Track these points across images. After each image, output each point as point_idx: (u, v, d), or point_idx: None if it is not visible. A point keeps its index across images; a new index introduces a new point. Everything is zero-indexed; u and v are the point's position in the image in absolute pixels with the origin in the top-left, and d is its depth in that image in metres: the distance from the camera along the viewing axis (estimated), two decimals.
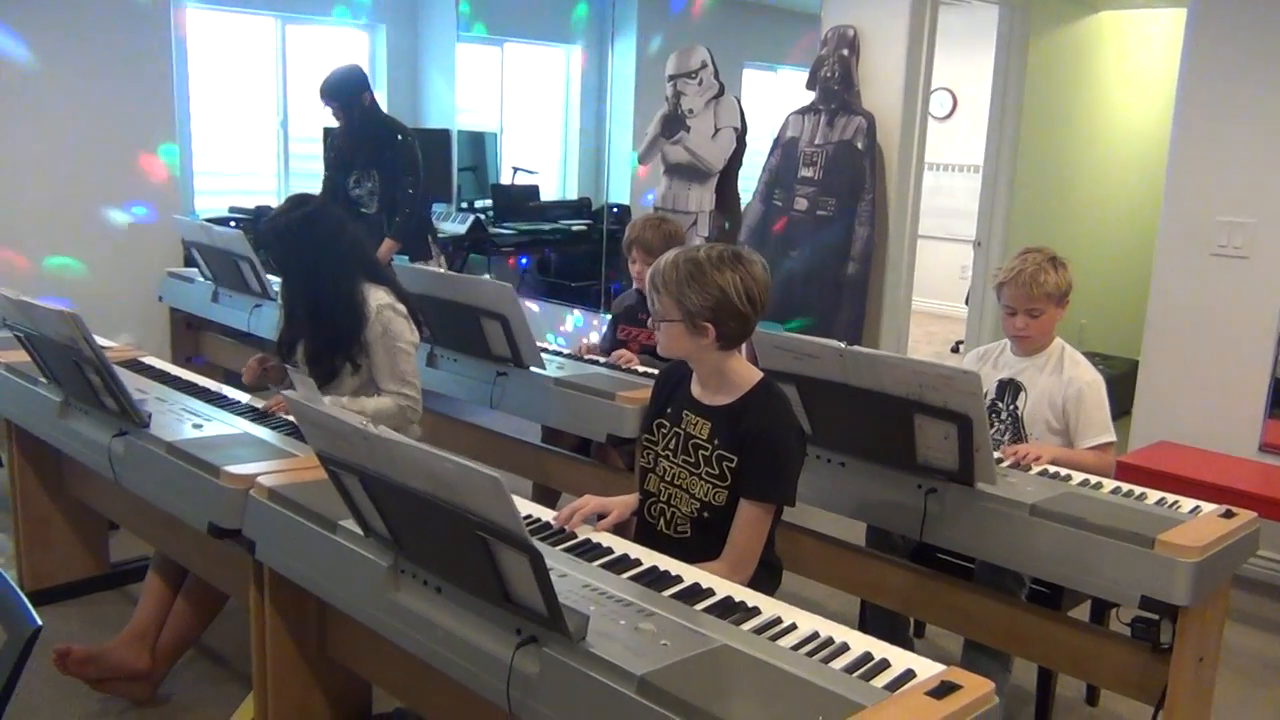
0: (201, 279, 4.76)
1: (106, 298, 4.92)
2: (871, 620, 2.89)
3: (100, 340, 2.75)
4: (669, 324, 2.12)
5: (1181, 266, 3.99)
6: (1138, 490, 2.47)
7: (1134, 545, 2.17)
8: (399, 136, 4.82)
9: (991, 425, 2.86)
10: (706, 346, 2.12)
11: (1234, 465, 3.71)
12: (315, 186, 5.02)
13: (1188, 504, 2.38)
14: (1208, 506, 2.36)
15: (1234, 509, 2.35)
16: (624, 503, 2.29)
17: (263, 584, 2.28)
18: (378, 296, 2.93)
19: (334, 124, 4.84)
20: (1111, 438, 2.80)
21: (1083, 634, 2.48)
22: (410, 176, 4.80)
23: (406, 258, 4.69)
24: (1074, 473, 2.58)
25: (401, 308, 2.96)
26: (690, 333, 2.11)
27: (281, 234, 2.89)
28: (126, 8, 4.90)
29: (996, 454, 2.57)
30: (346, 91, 4.66)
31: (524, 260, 7.05)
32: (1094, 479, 2.55)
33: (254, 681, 2.37)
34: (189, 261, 4.98)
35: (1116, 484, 2.52)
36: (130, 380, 2.81)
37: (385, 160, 4.76)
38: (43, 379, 2.97)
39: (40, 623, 1.24)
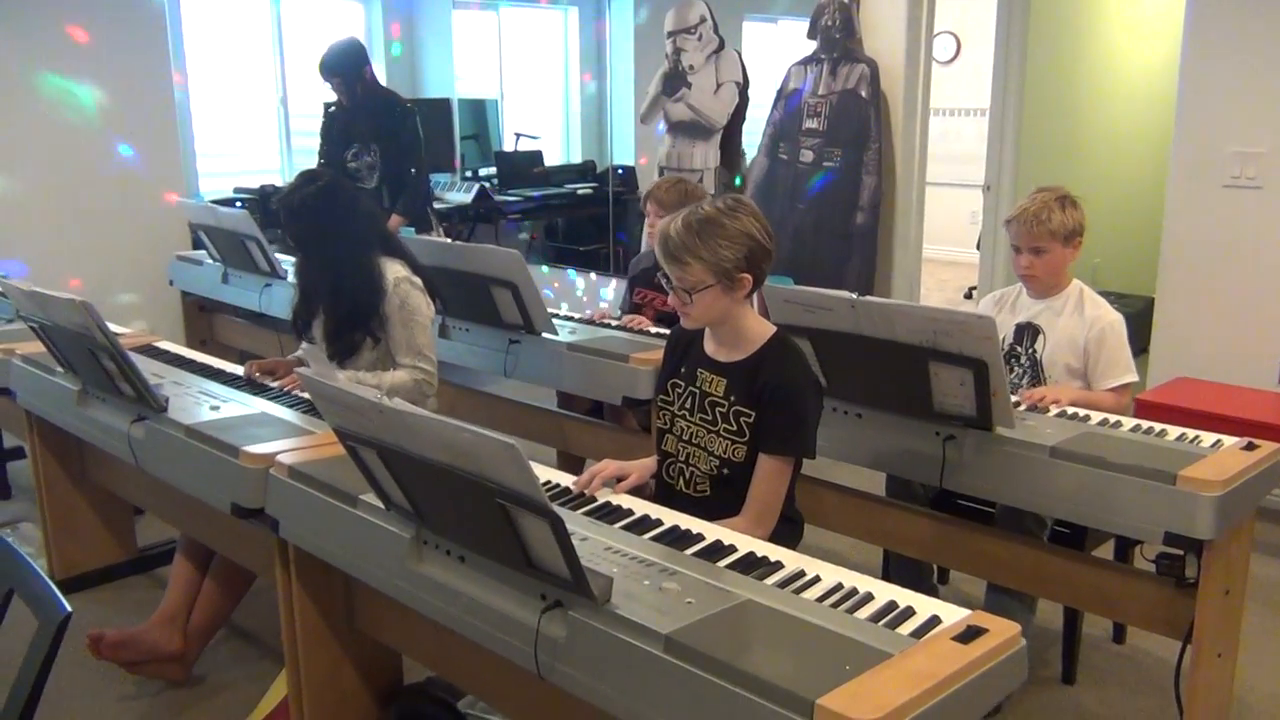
0: (210, 261, 4.76)
1: (118, 285, 4.94)
2: (895, 569, 2.89)
3: (114, 327, 2.76)
4: (703, 291, 2.08)
5: (1194, 200, 3.95)
6: (1158, 427, 2.46)
7: (1156, 482, 2.16)
8: (401, 110, 4.80)
9: (1010, 370, 2.85)
10: (739, 300, 2.12)
11: (1254, 398, 3.69)
12: (316, 162, 5.00)
13: (1209, 438, 2.37)
14: (1229, 440, 2.35)
15: (1256, 441, 2.33)
16: (642, 465, 2.29)
17: (288, 561, 2.29)
18: (394, 270, 2.92)
19: (333, 98, 4.82)
20: (1134, 377, 2.78)
21: (1107, 572, 2.48)
22: (413, 151, 4.78)
23: (413, 230, 4.68)
24: (1092, 413, 2.57)
25: (418, 280, 2.95)
26: (726, 291, 2.09)
27: (297, 210, 2.87)
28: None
29: (1014, 398, 2.56)
30: (347, 66, 4.63)
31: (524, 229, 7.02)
32: (1113, 418, 2.53)
33: (286, 657, 2.40)
34: (197, 244, 4.98)
35: (1136, 422, 2.50)
36: (145, 365, 2.82)
37: (385, 134, 4.74)
38: (59, 368, 2.99)
39: (69, 609, 1.25)
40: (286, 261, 4.28)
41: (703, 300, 2.09)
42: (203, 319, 5.17)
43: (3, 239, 4.74)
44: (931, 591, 2.80)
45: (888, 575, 2.89)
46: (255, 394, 2.77)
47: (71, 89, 4.83)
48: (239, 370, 3.01)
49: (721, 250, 2.05)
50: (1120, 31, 6.44)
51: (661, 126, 5.48)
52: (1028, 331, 2.88)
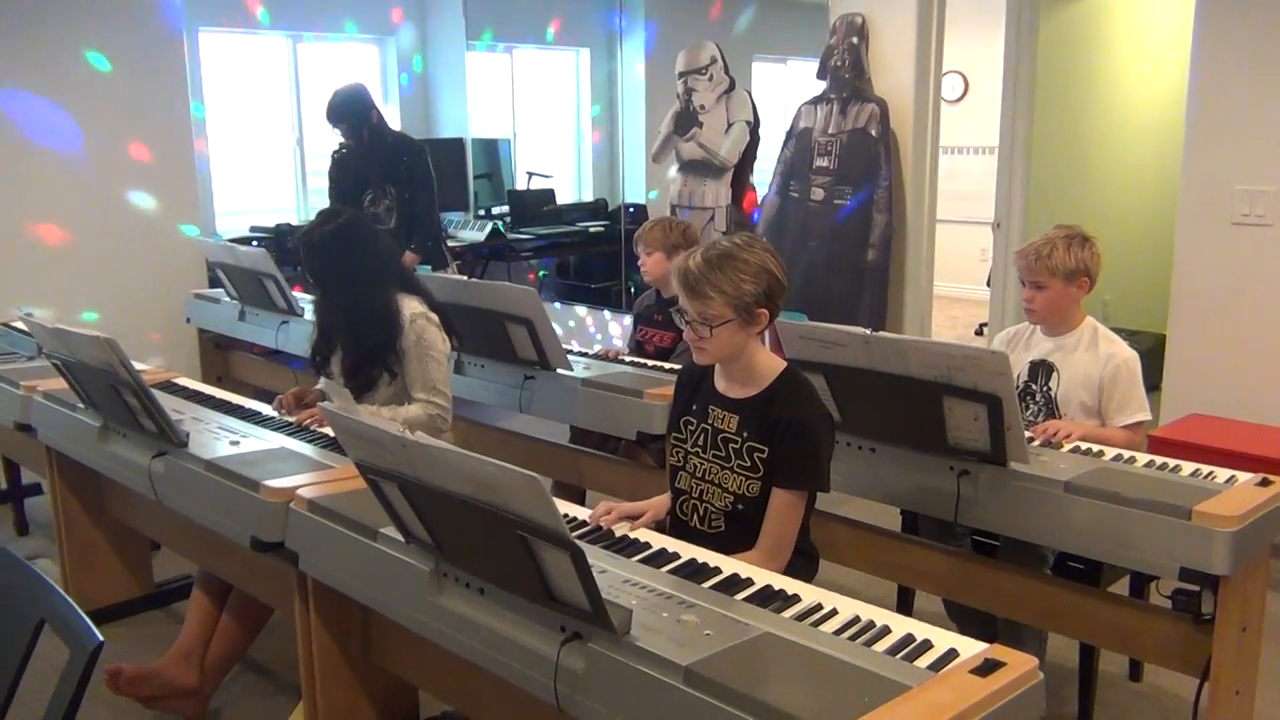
0: (228, 299, 4.81)
1: (135, 323, 4.99)
2: (960, 619, 2.85)
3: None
4: (722, 325, 2.09)
5: (1204, 238, 3.97)
6: (1172, 463, 2.46)
7: (1171, 517, 2.17)
8: (411, 150, 4.85)
9: (1025, 407, 2.85)
10: (754, 335, 2.14)
11: (1267, 434, 3.69)
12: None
13: (1223, 474, 2.38)
14: (1243, 476, 2.35)
15: (1270, 477, 2.34)
16: (655, 505, 2.28)
17: (307, 595, 2.31)
18: (412, 306, 2.96)
19: (342, 141, 4.89)
20: (1147, 415, 2.79)
21: (1123, 608, 2.48)
22: (426, 190, 4.84)
23: (429, 267, 4.73)
24: (1106, 449, 2.58)
25: (434, 317, 2.99)
26: (743, 326, 2.11)
27: (317, 247, 2.91)
28: (145, 35, 4.97)
29: (1027, 433, 2.57)
30: (353, 111, 4.67)
31: (543, 266, 7.07)
32: (1127, 454, 2.54)
33: (302, 691, 2.41)
34: (214, 282, 5.04)
35: (1150, 458, 2.51)
36: (166, 401, 2.86)
37: (399, 175, 4.79)
38: (81, 404, 3.02)
39: (101, 639, 1.27)
40: (303, 299, 4.32)
41: (721, 335, 2.11)
42: (219, 356, 5.22)
43: (23, 277, 4.80)
44: (994, 637, 2.73)
45: (907, 612, 2.87)
46: (275, 429, 2.79)
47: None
48: (258, 406, 3.04)
49: (743, 285, 2.08)
50: (1127, 69, 6.50)
51: (672, 169, 5.54)
52: (1041, 369, 2.89)
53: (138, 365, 3.27)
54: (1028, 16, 5.62)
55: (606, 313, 6.27)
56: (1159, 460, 2.49)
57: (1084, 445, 2.60)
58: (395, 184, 4.79)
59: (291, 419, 2.88)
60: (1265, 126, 3.77)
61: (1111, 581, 2.66)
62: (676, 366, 3.27)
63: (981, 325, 7.36)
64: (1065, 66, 6.00)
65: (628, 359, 3.53)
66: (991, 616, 2.83)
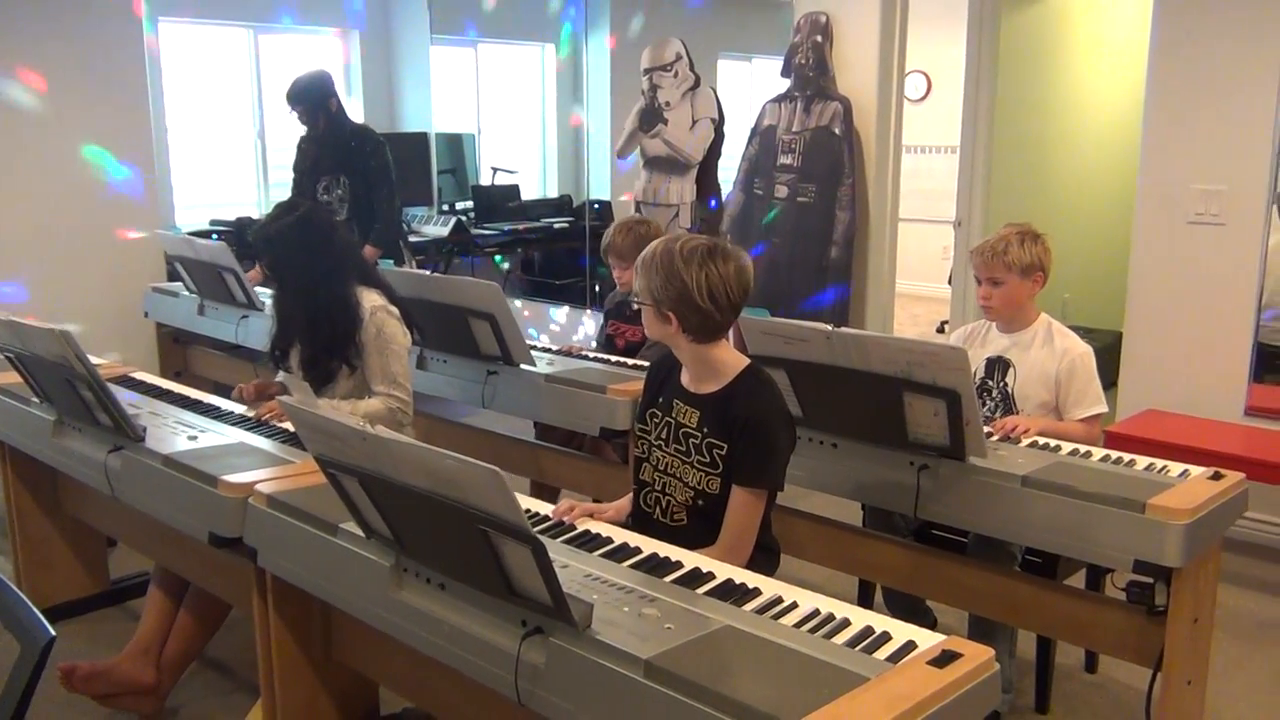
0: (186, 293, 4.75)
1: (92, 316, 4.91)
2: (890, 602, 2.90)
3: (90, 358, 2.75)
4: (644, 306, 2.17)
5: (1160, 236, 4.03)
6: (1127, 457, 2.50)
7: (1125, 510, 2.20)
8: (370, 143, 4.83)
9: (983, 403, 2.89)
10: (675, 334, 2.15)
11: (1221, 430, 3.75)
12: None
13: (1176, 468, 2.42)
14: (1196, 470, 2.40)
15: (1222, 471, 2.38)
16: (616, 507, 2.33)
17: (266, 591, 2.29)
18: (371, 299, 2.95)
19: (305, 131, 4.85)
20: (1104, 408, 2.83)
21: (1079, 601, 2.52)
22: (386, 184, 4.82)
23: (390, 262, 4.70)
24: (1063, 443, 2.61)
25: (395, 310, 2.98)
26: (658, 318, 2.15)
27: (274, 240, 2.90)
28: (102, 25, 4.88)
29: (986, 428, 2.60)
30: (312, 96, 4.65)
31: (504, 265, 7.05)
32: (1083, 448, 2.58)
33: (261, 688, 2.39)
34: (173, 276, 4.97)
35: (1106, 452, 2.55)
36: (122, 396, 2.82)
37: (354, 167, 4.77)
38: (35, 399, 2.97)
39: (53, 633, 1.26)
40: (264, 294, 4.28)
41: (644, 313, 2.18)
42: (177, 351, 5.15)
43: None
44: (931, 624, 2.79)
45: (867, 605, 2.89)
46: (234, 424, 2.76)
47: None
48: (217, 400, 3.01)
49: (655, 281, 2.11)
50: (1087, 71, 6.58)
51: (631, 159, 5.54)
52: (998, 365, 2.93)
53: (94, 359, 3.23)
54: (989, 18, 5.67)
55: (566, 308, 6.26)
56: (1115, 455, 2.52)
57: (1041, 440, 2.63)
58: (349, 175, 4.77)
59: (251, 414, 2.85)
60: (1220, 128, 3.83)
61: (1068, 574, 2.71)
62: (642, 363, 3.27)
63: (943, 323, 7.42)
64: (1026, 68, 6.07)
65: (591, 354, 3.53)
66: (923, 605, 2.88)
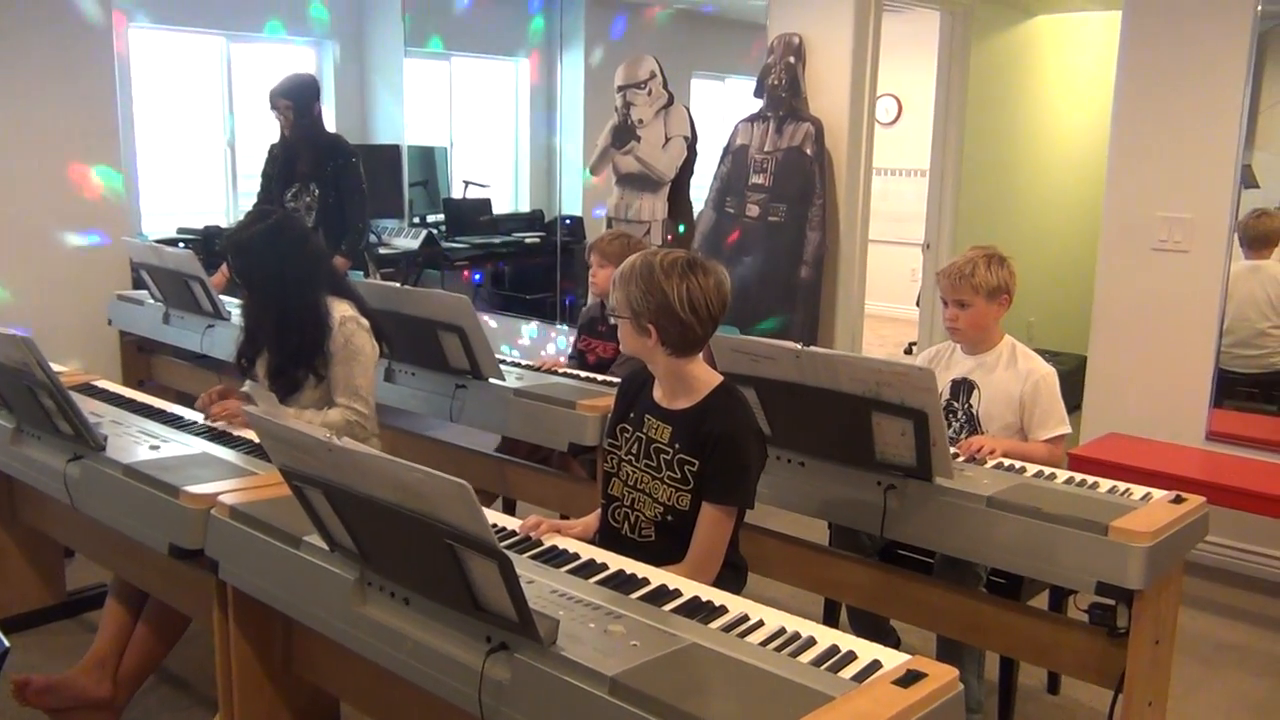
0: (152, 301, 4.70)
1: (54, 323, 4.83)
2: (855, 622, 2.91)
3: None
4: (621, 320, 2.17)
5: (1124, 262, 4.09)
6: (1090, 480, 2.52)
7: (1088, 533, 2.22)
8: (344, 154, 4.83)
9: (948, 425, 2.91)
10: (652, 348, 2.15)
11: (1182, 454, 3.80)
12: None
13: (1139, 491, 2.44)
14: (1158, 493, 2.42)
15: (1184, 494, 2.41)
16: (584, 523, 2.32)
17: (226, 604, 2.26)
18: (342, 309, 2.93)
19: (276, 140, 4.83)
20: (1067, 429, 2.86)
21: (1042, 622, 2.53)
22: (357, 194, 4.82)
23: (362, 274, 4.67)
24: (1028, 465, 2.63)
25: (365, 322, 2.96)
26: (636, 331, 2.15)
27: (246, 247, 2.88)
28: (69, 29, 4.84)
29: (952, 449, 2.62)
30: (303, 94, 4.68)
31: (477, 276, 7.04)
32: (1048, 470, 2.60)
33: (220, 703, 2.35)
34: (138, 284, 4.91)
35: (1070, 474, 2.57)
36: (84, 404, 2.78)
37: (326, 176, 4.76)
38: None
39: (8, 645, 1.23)
40: (231, 303, 4.24)
41: (621, 327, 2.19)
42: (141, 360, 5.08)
43: None
44: (895, 644, 2.80)
45: (833, 625, 2.90)
46: (197, 434, 2.73)
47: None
48: (180, 410, 2.97)
49: (635, 293, 2.12)
50: (1055, 98, 6.68)
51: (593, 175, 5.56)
52: (963, 387, 2.95)
53: (55, 367, 3.18)
54: (960, 44, 5.76)
55: (536, 323, 6.25)
56: (1079, 477, 2.55)
57: (1007, 461, 2.65)
58: (320, 183, 4.76)
59: (204, 417, 2.83)
60: (1185, 156, 3.89)
61: (1032, 595, 2.72)
62: (613, 379, 3.26)
63: (911, 344, 7.48)
64: (995, 94, 6.15)
65: (561, 370, 3.52)
66: (888, 625, 2.89)
